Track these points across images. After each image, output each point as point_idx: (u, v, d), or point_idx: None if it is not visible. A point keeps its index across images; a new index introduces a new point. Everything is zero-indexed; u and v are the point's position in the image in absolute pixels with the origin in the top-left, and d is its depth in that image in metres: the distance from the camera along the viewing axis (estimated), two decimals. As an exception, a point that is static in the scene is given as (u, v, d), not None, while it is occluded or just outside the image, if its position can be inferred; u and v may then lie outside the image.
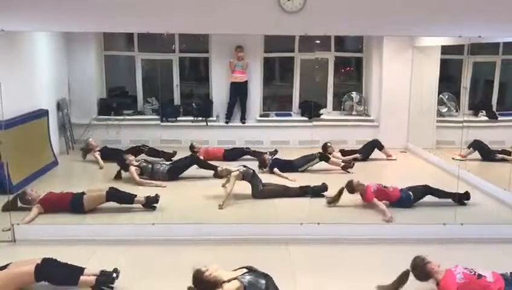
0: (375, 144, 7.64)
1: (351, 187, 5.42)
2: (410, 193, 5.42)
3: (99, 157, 7.01)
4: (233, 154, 7.50)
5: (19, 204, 5.02)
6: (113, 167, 6.43)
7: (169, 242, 4.43)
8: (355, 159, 7.30)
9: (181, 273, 3.74)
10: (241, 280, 3.07)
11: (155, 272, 3.94)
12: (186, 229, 4.57)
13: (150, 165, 6.37)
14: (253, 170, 5.74)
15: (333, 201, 5.39)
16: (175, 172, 6.36)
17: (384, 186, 5.44)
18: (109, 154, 7.11)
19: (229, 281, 3.06)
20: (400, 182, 5.75)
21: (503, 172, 6.76)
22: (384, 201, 5.33)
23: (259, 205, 5.53)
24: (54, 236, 4.44)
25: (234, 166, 5.78)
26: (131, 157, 6.39)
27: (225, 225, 4.67)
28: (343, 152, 7.59)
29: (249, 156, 7.38)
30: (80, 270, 3.57)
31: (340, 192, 5.39)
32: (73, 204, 5.04)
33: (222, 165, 5.87)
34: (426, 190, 5.45)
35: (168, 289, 3.65)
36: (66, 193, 5.17)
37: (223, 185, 5.45)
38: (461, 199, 5.40)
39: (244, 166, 5.70)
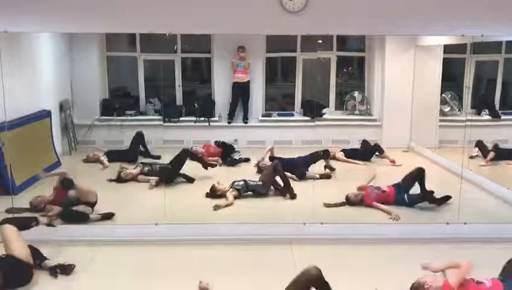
0: (376, 149, 7.59)
1: (351, 201, 5.44)
2: (405, 194, 5.43)
3: (105, 161, 7.06)
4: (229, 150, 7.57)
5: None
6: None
7: (172, 242, 4.43)
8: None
9: (184, 274, 3.76)
10: None
11: (158, 273, 3.94)
12: (189, 229, 4.57)
13: (147, 168, 6.42)
14: (244, 181, 5.75)
15: (331, 206, 5.39)
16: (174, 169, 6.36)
17: (383, 191, 5.46)
18: (114, 156, 7.22)
19: None
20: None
21: (506, 171, 6.77)
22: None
23: (262, 205, 5.53)
24: (57, 237, 4.44)
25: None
26: (127, 171, 6.34)
27: (228, 225, 4.66)
28: (346, 152, 7.57)
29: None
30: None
31: (341, 205, 5.41)
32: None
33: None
34: (418, 175, 5.50)
35: (171, 290, 3.66)
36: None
37: (215, 209, 5.30)
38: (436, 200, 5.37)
39: (234, 181, 5.74)
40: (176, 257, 4.19)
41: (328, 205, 5.35)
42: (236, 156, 7.46)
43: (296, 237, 4.54)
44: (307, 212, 4.82)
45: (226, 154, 7.45)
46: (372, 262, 4.15)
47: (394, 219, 5.00)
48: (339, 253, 4.33)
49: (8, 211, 4.84)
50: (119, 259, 4.20)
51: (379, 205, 5.30)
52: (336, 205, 5.37)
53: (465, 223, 4.65)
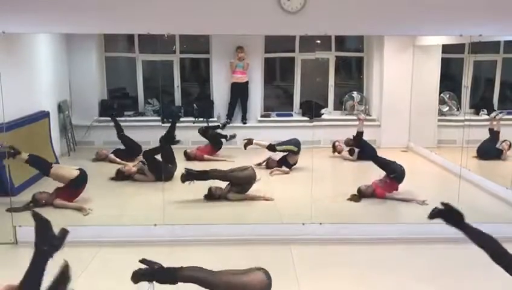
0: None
1: (362, 192, 5.62)
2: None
3: (117, 159, 7.17)
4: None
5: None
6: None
7: (171, 243, 4.43)
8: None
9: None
10: None
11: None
12: (189, 230, 4.57)
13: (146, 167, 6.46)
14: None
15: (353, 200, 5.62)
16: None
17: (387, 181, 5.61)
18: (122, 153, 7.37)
19: None
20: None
21: (504, 170, 6.77)
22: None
23: (261, 205, 5.53)
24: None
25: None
26: (127, 168, 6.45)
27: (227, 225, 4.66)
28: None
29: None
30: None
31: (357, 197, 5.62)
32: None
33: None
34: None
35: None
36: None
37: None
38: None
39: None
40: (175, 258, 4.18)
41: (351, 199, 5.56)
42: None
43: (295, 237, 4.54)
44: (306, 212, 4.81)
45: (216, 143, 7.67)
46: (372, 262, 4.15)
47: (421, 203, 5.31)
48: (338, 253, 4.33)
49: (8, 210, 4.86)
50: (117, 260, 4.19)
51: (392, 195, 5.50)
52: (354, 199, 5.56)
53: (463, 223, 4.65)
